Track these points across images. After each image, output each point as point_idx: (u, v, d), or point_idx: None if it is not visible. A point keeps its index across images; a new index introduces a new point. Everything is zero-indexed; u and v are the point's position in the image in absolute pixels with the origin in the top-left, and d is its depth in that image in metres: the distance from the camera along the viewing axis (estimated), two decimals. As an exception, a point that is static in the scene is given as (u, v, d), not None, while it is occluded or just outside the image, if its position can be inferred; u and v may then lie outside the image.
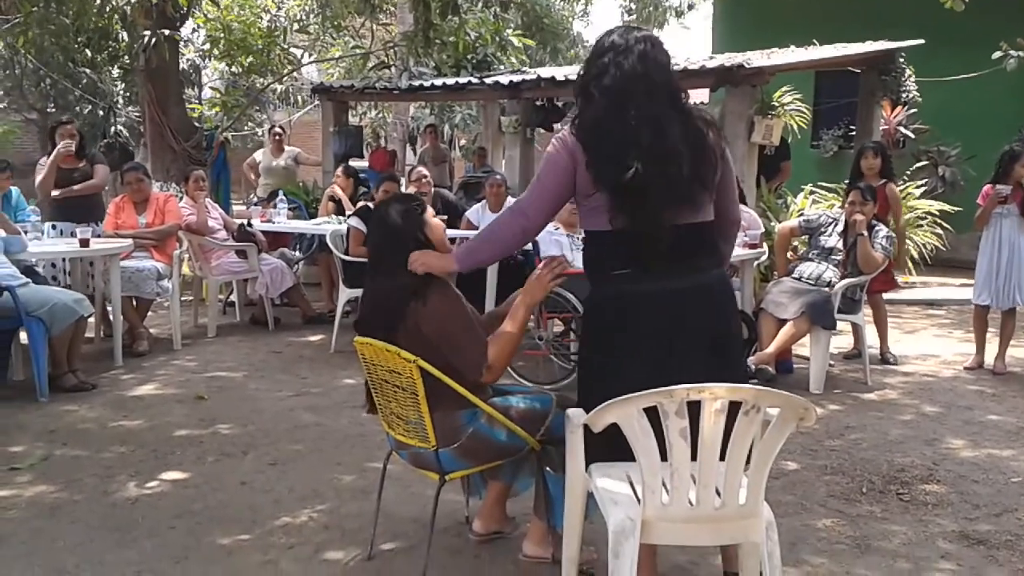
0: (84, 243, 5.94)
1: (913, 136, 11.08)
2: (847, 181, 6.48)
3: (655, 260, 2.69)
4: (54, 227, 6.68)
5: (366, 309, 3.15)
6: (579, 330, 5.52)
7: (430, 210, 3.18)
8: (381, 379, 3.01)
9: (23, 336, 5.45)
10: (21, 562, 3.18)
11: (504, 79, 9.60)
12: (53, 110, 16.83)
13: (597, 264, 2.81)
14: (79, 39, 11.39)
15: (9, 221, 5.75)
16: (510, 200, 7.41)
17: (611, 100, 2.67)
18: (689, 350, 2.70)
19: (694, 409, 2.35)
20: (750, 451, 2.42)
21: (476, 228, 7.32)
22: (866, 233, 5.68)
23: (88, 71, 14.54)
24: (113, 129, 15.09)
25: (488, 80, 9.78)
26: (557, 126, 10.96)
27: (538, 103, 10.08)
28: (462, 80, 10.28)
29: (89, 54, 13.68)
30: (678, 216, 2.67)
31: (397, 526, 3.47)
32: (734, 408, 2.35)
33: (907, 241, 8.91)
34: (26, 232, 5.94)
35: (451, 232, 7.37)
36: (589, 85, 2.73)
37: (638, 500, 2.48)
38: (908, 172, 10.23)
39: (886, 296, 6.60)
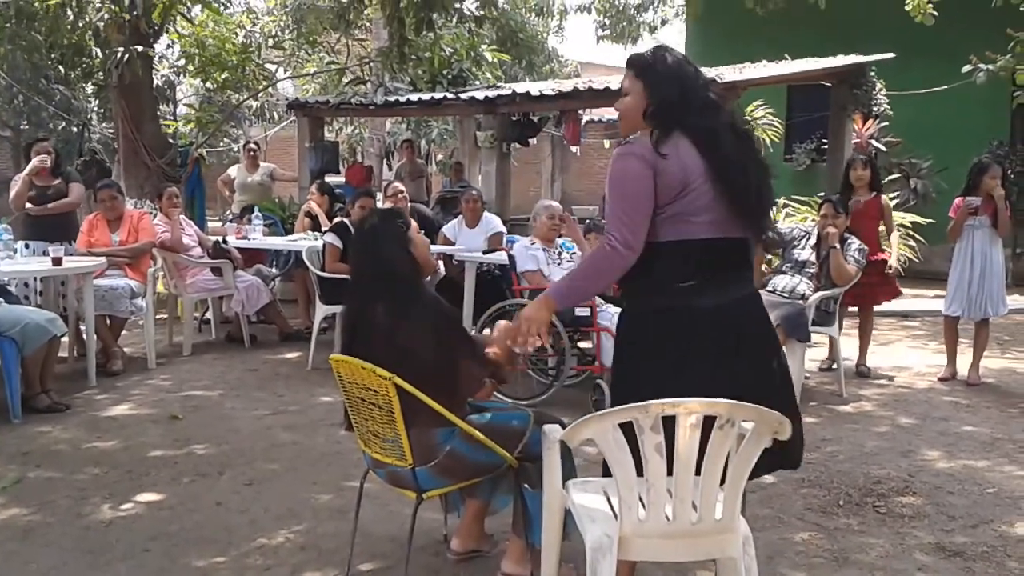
0: (57, 262, 5.88)
1: (885, 149, 11.19)
2: (822, 194, 6.53)
3: (726, 271, 2.73)
4: (27, 246, 6.60)
5: (347, 330, 3.12)
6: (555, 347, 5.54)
7: (414, 226, 3.17)
8: (357, 397, 3.00)
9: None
10: (-8, 587, 3.14)
11: (480, 94, 9.63)
12: (26, 127, 16.67)
13: (655, 276, 2.71)
14: (52, 55, 11.31)
15: (-20, 240, 5.68)
16: (486, 216, 7.42)
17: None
18: (754, 358, 2.75)
19: (670, 424, 2.36)
20: (726, 465, 2.43)
21: (452, 243, 7.33)
22: (838, 246, 5.74)
23: (61, 88, 14.43)
24: (88, 146, 14.98)
25: (464, 95, 9.81)
26: (533, 141, 11.01)
27: (514, 118, 10.12)
28: (438, 95, 10.30)
29: (62, 70, 13.58)
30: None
31: (375, 545, 3.45)
32: (709, 423, 2.36)
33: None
34: (-3, 251, 5.88)
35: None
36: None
37: (615, 516, 2.49)
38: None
39: (891, 307, 6.68)
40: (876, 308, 6.62)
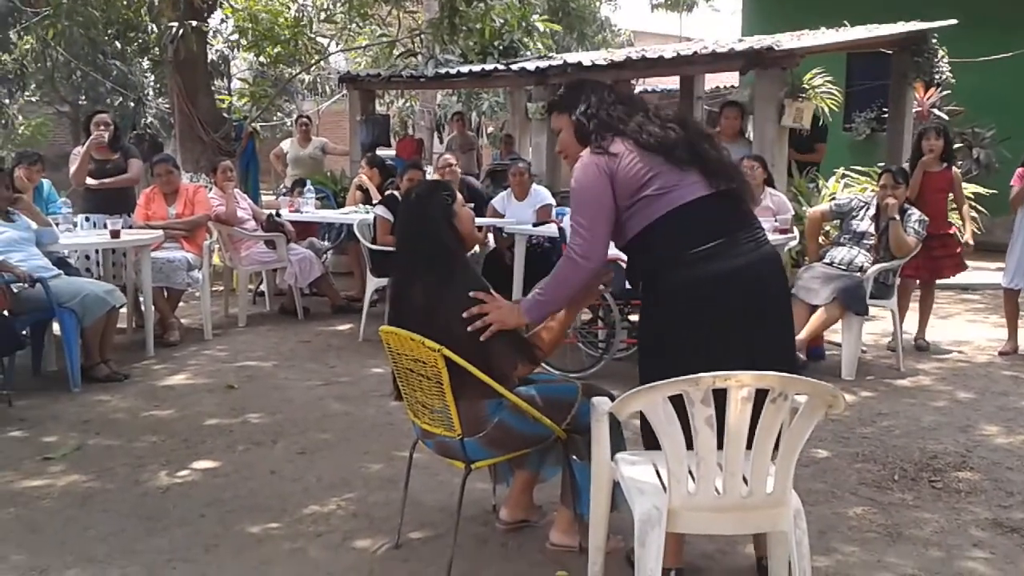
0: (115, 234, 6.00)
1: (947, 118, 10.88)
2: (881, 164, 6.38)
3: (731, 229, 2.77)
4: (87, 219, 6.74)
5: (394, 303, 3.13)
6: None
7: (460, 198, 3.16)
8: (406, 368, 3.01)
9: (56, 327, 5.53)
10: (53, 550, 3.22)
11: (530, 65, 9.55)
12: (84, 102, 17.01)
13: (664, 253, 2.78)
14: (108, 31, 11.45)
15: (41, 213, 5.81)
16: (536, 188, 7.39)
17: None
18: (775, 319, 2.82)
19: (721, 397, 2.33)
20: (778, 439, 2.39)
21: (502, 216, 7.31)
22: (898, 217, 5.59)
23: (118, 63, 14.67)
24: (144, 121, 15.22)
25: (514, 66, 9.73)
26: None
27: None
28: (488, 67, 10.24)
29: (119, 46, 13.78)
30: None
31: (424, 515, 3.48)
32: (761, 396, 2.33)
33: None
34: (57, 224, 6.00)
35: (478, 220, 7.38)
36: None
37: (664, 489, 2.47)
38: (943, 154, 10.06)
39: (951, 280, 6.53)
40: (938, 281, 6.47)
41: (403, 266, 3.10)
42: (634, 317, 5.84)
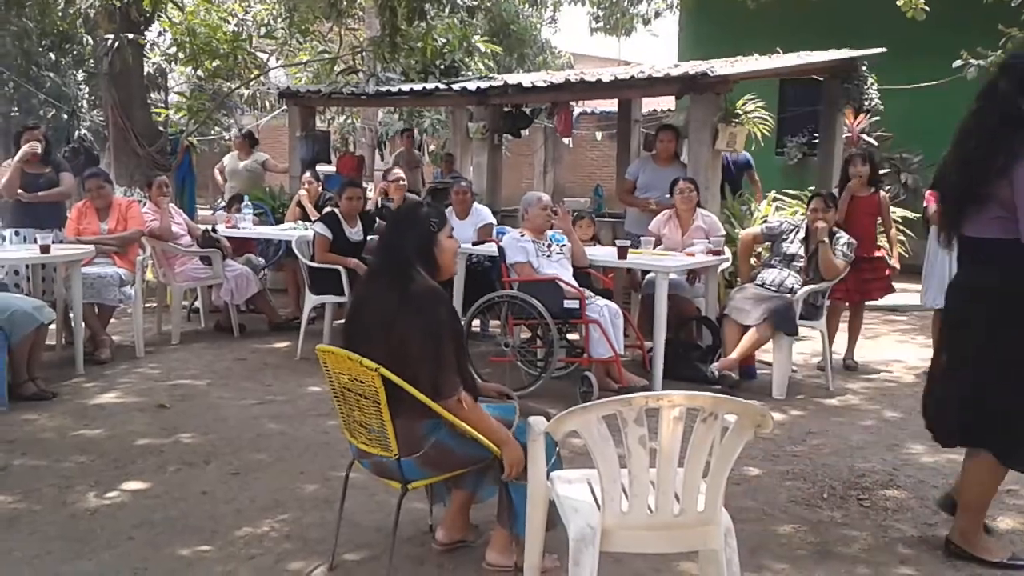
0: (45, 249, 5.85)
1: (876, 144, 11.20)
2: (812, 188, 6.54)
3: None
4: (16, 233, 6.55)
5: (356, 315, 3.11)
6: (549, 338, 5.56)
7: (448, 229, 3.14)
8: (344, 387, 3.00)
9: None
10: (-24, 575, 3.13)
11: (471, 85, 9.59)
12: (16, 114, 16.57)
13: None
14: (43, 42, 11.25)
15: (-33, 227, 5.66)
16: (477, 207, 7.41)
17: None
18: None
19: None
20: (709, 458, 2.44)
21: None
22: (827, 240, 5.75)
23: (52, 75, 14.35)
24: (77, 133, 14.90)
25: (456, 86, 9.76)
26: (525, 132, 11.00)
27: (506, 109, 10.07)
28: (430, 86, 10.25)
29: (53, 57, 13.51)
30: None
31: (360, 535, 3.46)
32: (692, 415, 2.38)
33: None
34: (-15, 238, 5.85)
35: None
36: None
37: (599, 507, 2.50)
38: (871, 179, 10.33)
39: (879, 301, 6.70)
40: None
41: (369, 275, 3.09)
42: (572, 336, 5.89)
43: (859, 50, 8.57)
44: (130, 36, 9.44)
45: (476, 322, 6.96)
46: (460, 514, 3.35)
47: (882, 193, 6.52)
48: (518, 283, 5.71)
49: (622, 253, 5.87)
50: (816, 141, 10.45)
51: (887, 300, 6.88)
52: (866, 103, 8.99)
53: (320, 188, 8.52)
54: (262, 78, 15.87)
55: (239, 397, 5.51)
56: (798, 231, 6.02)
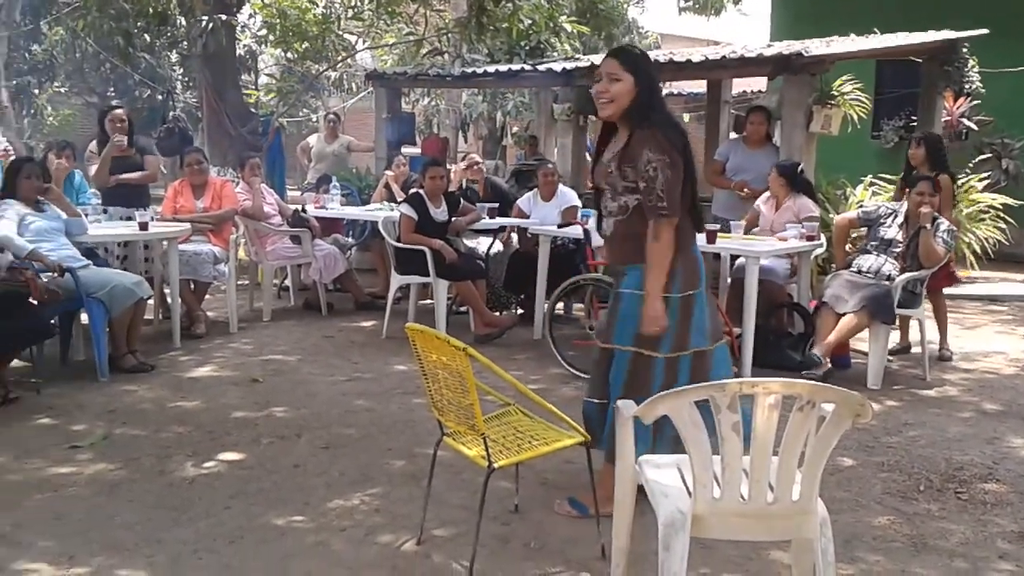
0: (143, 226, 6.05)
1: (976, 128, 10.79)
2: (913, 173, 6.30)
3: None
4: (105, 211, 6.76)
5: None
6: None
7: None
8: (433, 366, 3.02)
9: (84, 317, 5.58)
10: (80, 539, 3.26)
11: (557, 66, 9.55)
12: (113, 94, 17.15)
13: None
14: (138, 24, 11.56)
15: (71, 204, 5.86)
16: (562, 189, 7.38)
17: None
18: None
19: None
20: (804, 446, 2.39)
21: (527, 216, 7.31)
22: (929, 226, 5.54)
23: (147, 56, 14.77)
24: (172, 114, 15.35)
25: (541, 67, 9.73)
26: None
27: (591, 90, 10.05)
28: (515, 67, 10.25)
29: (148, 39, 13.89)
30: None
31: (446, 512, 3.49)
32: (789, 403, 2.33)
33: (968, 235, 8.70)
34: (87, 215, 6.05)
35: (501, 220, 7.39)
36: None
37: (689, 493, 2.47)
38: (971, 165, 9.98)
39: (946, 291, 6.44)
40: (958, 292, 6.39)
41: None
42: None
43: (960, 31, 8.24)
44: (223, 18, 9.65)
45: (560, 305, 6.95)
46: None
47: (944, 177, 6.17)
48: (603, 266, 5.67)
49: (711, 237, 5.77)
50: (914, 124, 10.13)
51: (988, 290, 6.64)
52: (967, 86, 8.66)
53: (407, 170, 8.62)
54: (349, 60, 16.10)
55: (328, 373, 5.61)
56: (896, 215, 5.82)
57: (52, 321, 5.35)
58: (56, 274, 5.17)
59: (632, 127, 3.32)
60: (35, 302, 4.96)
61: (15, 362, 5.26)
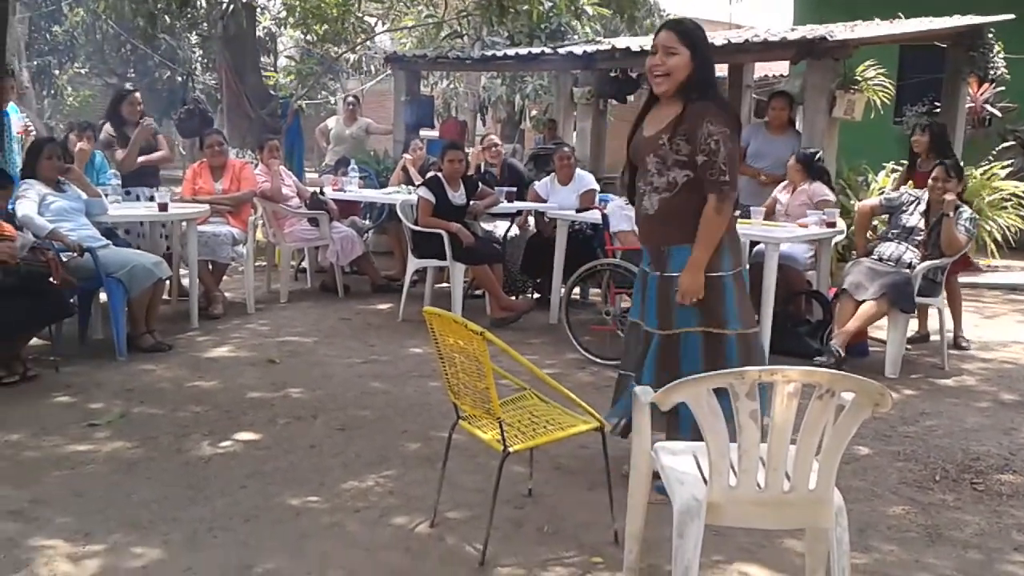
0: (163, 207, 6.07)
1: (1000, 115, 10.68)
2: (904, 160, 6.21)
3: None
4: (128, 192, 6.78)
5: None
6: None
7: None
8: (449, 349, 3.02)
9: (103, 296, 5.62)
10: (98, 516, 3.29)
11: (577, 49, 9.50)
12: (133, 75, 17.20)
13: None
14: (158, 5, 11.58)
15: (91, 184, 5.90)
16: (580, 173, 7.35)
17: None
18: None
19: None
20: (822, 435, 2.37)
21: (544, 200, 7.28)
22: (952, 214, 5.48)
23: (167, 37, 14.79)
24: (192, 95, 15.39)
25: (561, 50, 9.68)
26: (631, 98, 10.84)
27: (612, 74, 9.94)
28: (535, 50, 10.19)
29: (168, 20, 13.91)
30: None
31: (461, 495, 3.50)
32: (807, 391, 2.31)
33: (989, 223, 8.61)
34: (106, 195, 6.08)
35: (519, 204, 7.37)
36: None
37: (704, 480, 2.46)
38: (994, 152, 9.88)
39: (963, 279, 6.36)
40: (978, 280, 6.33)
41: None
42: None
43: (985, 16, 8.13)
44: (243, 0, 9.64)
45: (576, 290, 6.93)
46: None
47: (939, 168, 6.05)
48: (621, 251, 5.65)
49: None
50: (937, 110, 10.02)
51: (1008, 279, 6.58)
52: (991, 72, 8.56)
53: (425, 153, 8.62)
54: (368, 43, 16.07)
55: (344, 355, 5.63)
56: (919, 203, 5.76)
57: (72, 300, 5.39)
58: (76, 254, 5.20)
59: (685, 101, 3.29)
60: (55, 282, 4.99)
61: (34, 340, 5.30)
